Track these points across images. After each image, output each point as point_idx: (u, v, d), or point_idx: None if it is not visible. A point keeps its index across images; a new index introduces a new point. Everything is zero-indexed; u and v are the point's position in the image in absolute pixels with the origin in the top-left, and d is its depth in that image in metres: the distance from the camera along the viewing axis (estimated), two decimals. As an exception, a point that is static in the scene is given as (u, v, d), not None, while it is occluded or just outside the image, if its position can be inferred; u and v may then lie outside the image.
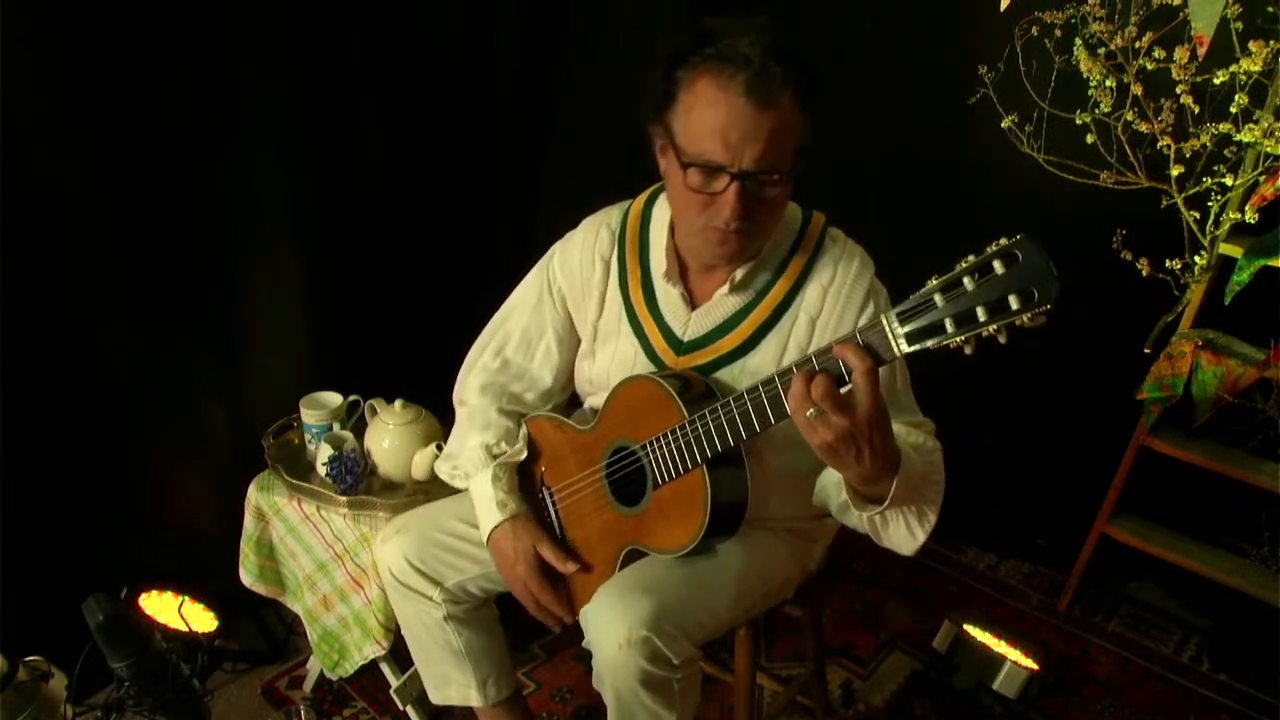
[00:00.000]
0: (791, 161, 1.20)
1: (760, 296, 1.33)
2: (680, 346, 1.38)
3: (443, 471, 1.57)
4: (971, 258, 0.91)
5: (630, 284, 1.42)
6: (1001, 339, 0.90)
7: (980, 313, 0.89)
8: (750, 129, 1.14)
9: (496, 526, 1.43)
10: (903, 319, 0.95)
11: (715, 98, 1.15)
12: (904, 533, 1.23)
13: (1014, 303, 0.87)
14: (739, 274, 1.32)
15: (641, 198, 1.46)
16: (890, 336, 0.97)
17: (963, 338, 0.91)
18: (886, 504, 1.14)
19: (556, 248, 1.51)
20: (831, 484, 1.28)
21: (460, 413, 1.57)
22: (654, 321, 1.39)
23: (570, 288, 1.48)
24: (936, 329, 0.93)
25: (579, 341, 1.52)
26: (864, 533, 1.27)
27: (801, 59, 1.16)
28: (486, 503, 1.45)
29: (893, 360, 0.99)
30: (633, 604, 1.24)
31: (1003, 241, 0.89)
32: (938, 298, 0.92)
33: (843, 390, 1.03)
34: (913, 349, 0.95)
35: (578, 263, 1.45)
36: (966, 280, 0.90)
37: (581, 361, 1.51)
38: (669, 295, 1.38)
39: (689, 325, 1.37)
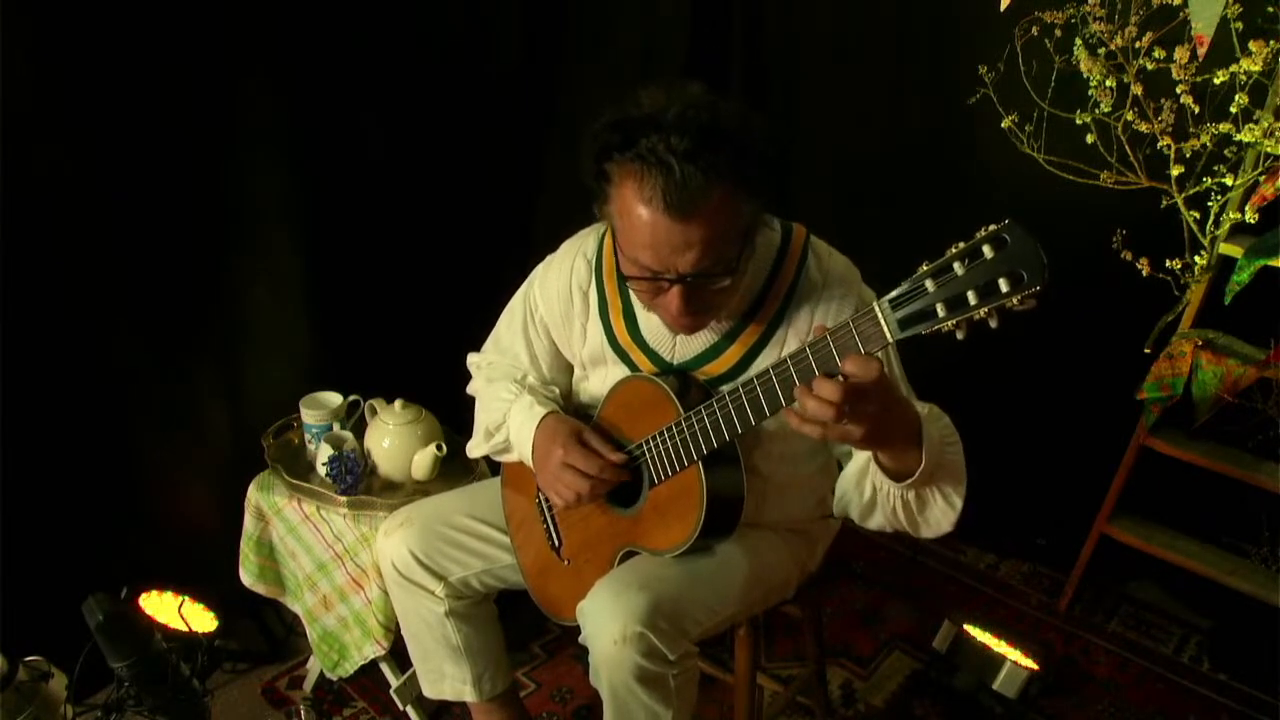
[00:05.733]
0: (738, 251, 1.15)
1: (747, 321, 1.29)
2: (670, 369, 1.35)
3: (478, 447, 1.53)
4: (961, 244, 0.92)
5: (611, 313, 1.38)
6: (992, 323, 0.90)
7: (971, 296, 0.90)
8: (678, 241, 1.10)
9: (541, 422, 1.38)
10: (895, 305, 0.96)
11: (638, 210, 1.10)
12: (941, 504, 1.20)
13: (1004, 285, 0.88)
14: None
15: None
16: (883, 323, 0.97)
17: (954, 322, 0.92)
18: (919, 474, 1.12)
19: (536, 274, 1.48)
20: (852, 488, 1.26)
21: (478, 394, 1.56)
22: (639, 348, 1.36)
23: (551, 318, 1.46)
24: (928, 314, 0.93)
25: (570, 365, 1.51)
26: (895, 530, 1.25)
27: (731, 141, 1.08)
28: (524, 413, 1.40)
29: (886, 346, 0.99)
30: (628, 600, 1.24)
31: (991, 227, 0.89)
32: (929, 283, 0.93)
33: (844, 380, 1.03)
34: (905, 334, 0.96)
35: (555, 293, 1.42)
36: (957, 265, 0.91)
37: (578, 384, 1.51)
38: (651, 321, 1.34)
39: (676, 349, 1.34)
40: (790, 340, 1.28)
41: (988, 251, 0.88)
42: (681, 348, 1.34)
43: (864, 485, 1.23)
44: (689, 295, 1.16)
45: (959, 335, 0.93)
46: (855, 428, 1.03)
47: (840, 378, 1.01)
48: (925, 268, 0.94)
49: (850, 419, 1.02)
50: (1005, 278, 0.87)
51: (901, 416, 1.10)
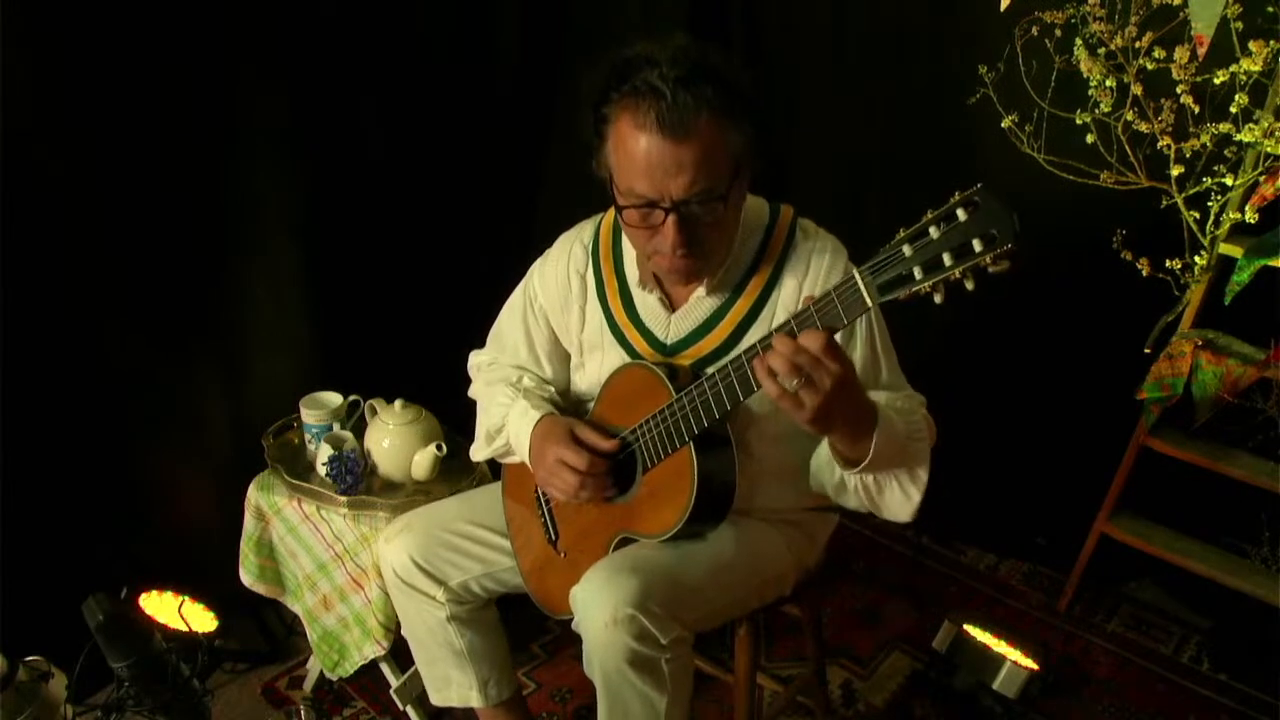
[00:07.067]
0: (728, 181, 1.20)
1: (736, 295, 1.34)
2: (664, 350, 1.39)
3: (480, 451, 1.56)
4: (936, 210, 0.94)
5: (608, 294, 1.43)
6: (969, 284, 0.93)
7: (946, 258, 0.93)
8: (671, 163, 1.15)
9: (536, 424, 1.41)
10: (874, 271, 0.99)
11: (634, 136, 1.16)
12: (899, 496, 1.26)
13: (977, 246, 0.90)
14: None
15: (613, 209, 1.43)
16: (863, 289, 1.00)
17: (931, 284, 0.94)
18: (868, 462, 1.17)
19: (535, 268, 1.53)
20: (824, 464, 1.30)
21: (479, 398, 1.58)
22: (635, 328, 1.40)
23: (550, 305, 1.49)
24: (906, 278, 0.96)
25: (568, 356, 1.54)
26: (864, 511, 1.29)
27: (718, 75, 1.15)
28: (520, 419, 1.44)
29: (866, 312, 1.02)
30: (619, 583, 1.25)
31: (964, 191, 0.92)
32: (906, 248, 0.96)
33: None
34: (885, 299, 0.99)
35: (554, 280, 1.47)
36: (933, 229, 0.94)
37: (574, 374, 1.53)
38: (647, 301, 1.39)
39: (670, 328, 1.38)
40: (779, 314, 1.32)
41: (961, 215, 0.92)
42: (675, 326, 1.37)
43: (834, 463, 1.26)
44: (683, 226, 1.20)
45: (937, 298, 0.95)
46: (807, 397, 1.05)
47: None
48: (902, 233, 0.97)
49: (804, 388, 1.05)
50: (978, 238, 0.90)
51: (856, 407, 1.13)
